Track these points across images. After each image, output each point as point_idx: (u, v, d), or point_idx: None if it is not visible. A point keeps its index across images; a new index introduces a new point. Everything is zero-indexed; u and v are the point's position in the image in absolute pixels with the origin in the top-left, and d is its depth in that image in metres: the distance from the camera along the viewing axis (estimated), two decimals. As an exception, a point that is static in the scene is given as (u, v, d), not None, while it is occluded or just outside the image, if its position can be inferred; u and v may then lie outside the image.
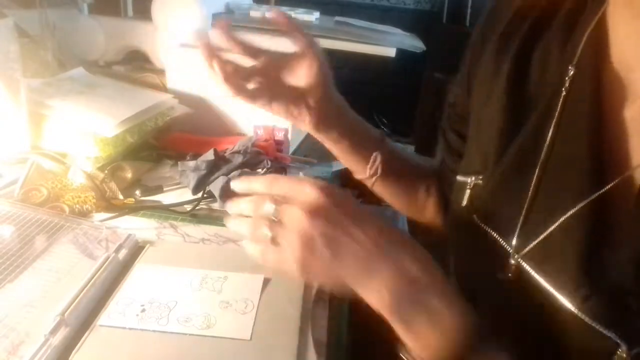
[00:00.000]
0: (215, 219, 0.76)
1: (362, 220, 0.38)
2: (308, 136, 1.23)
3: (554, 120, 0.42)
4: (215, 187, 0.76)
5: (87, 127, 0.82)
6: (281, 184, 0.40)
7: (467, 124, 0.55)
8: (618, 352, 0.36)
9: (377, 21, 1.21)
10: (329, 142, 0.62)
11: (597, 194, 0.38)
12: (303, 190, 0.38)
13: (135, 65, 1.18)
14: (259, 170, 0.82)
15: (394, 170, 0.65)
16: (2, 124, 0.80)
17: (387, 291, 0.36)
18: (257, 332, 0.52)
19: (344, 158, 0.65)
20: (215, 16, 1.09)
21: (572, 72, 0.41)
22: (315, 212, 0.37)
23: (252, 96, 0.54)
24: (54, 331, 0.47)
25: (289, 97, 0.56)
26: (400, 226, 1.95)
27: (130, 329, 0.51)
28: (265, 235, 0.39)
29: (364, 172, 0.64)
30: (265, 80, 0.55)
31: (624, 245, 0.37)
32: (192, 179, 0.78)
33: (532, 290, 0.41)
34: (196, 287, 0.58)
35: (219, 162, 0.80)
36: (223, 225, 0.74)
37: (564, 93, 0.41)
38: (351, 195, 0.40)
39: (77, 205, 0.71)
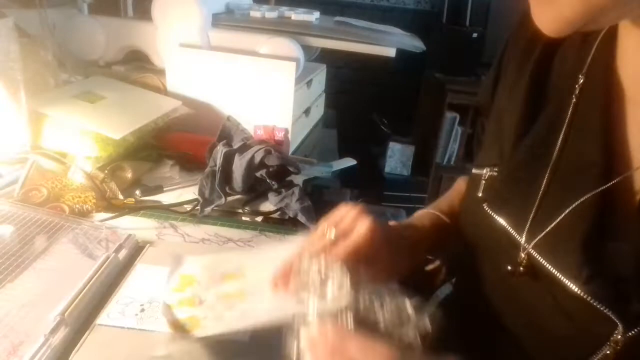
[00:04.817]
0: (215, 219, 0.76)
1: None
2: (308, 136, 1.24)
3: (566, 122, 0.45)
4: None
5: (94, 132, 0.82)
6: None
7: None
8: (614, 334, 0.38)
9: (377, 21, 1.21)
10: None
11: (601, 189, 0.40)
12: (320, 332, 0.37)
13: (135, 65, 1.18)
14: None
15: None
16: (2, 123, 0.80)
17: None
18: (257, 332, 0.52)
19: None
20: (216, 16, 1.09)
21: (581, 80, 0.45)
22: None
23: None
24: (54, 331, 0.47)
25: None
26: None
27: (129, 328, 0.51)
28: None
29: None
30: None
31: (625, 238, 0.39)
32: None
33: (540, 279, 0.44)
34: (196, 287, 0.58)
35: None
36: (223, 225, 0.74)
37: (574, 100, 0.45)
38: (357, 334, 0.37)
39: (77, 205, 0.71)
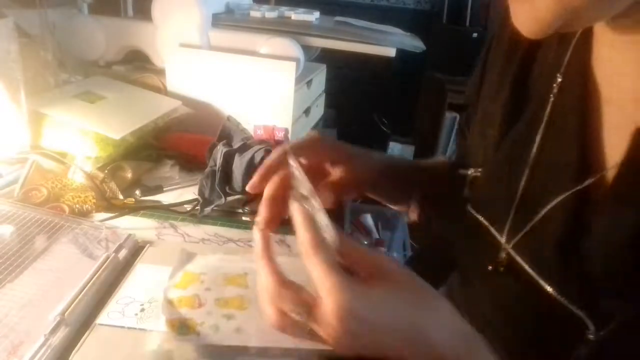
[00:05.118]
0: (215, 219, 0.76)
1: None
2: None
3: (544, 122, 0.45)
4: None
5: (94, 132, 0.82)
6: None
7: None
8: (587, 334, 0.38)
9: (377, 21, 1.21)
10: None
11: (575, 189, 0.41)
12: (328, 289, 0.36)
13: (135, 65, 1.18)
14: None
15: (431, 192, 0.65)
16: (2, 123, 0.81)
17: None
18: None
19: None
20: (216, 16, 1.09)
21: (559, 80, 0.45)
22: (346, 324, 0.35)
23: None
24: (54, 331, 0.47)
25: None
26: (401, 226, 1.94)
27: (129, 328, 0.51)
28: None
29: (404, 209, 0.65)
30: None
31: (596, 237, 0.40)
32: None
33: (519, 278, 0.44)
34: (196, 287, 0.58)
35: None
36: (223, 225, 0.74)
37: (552, 99, 0.45)
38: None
39: (77, 205, 0.71)
